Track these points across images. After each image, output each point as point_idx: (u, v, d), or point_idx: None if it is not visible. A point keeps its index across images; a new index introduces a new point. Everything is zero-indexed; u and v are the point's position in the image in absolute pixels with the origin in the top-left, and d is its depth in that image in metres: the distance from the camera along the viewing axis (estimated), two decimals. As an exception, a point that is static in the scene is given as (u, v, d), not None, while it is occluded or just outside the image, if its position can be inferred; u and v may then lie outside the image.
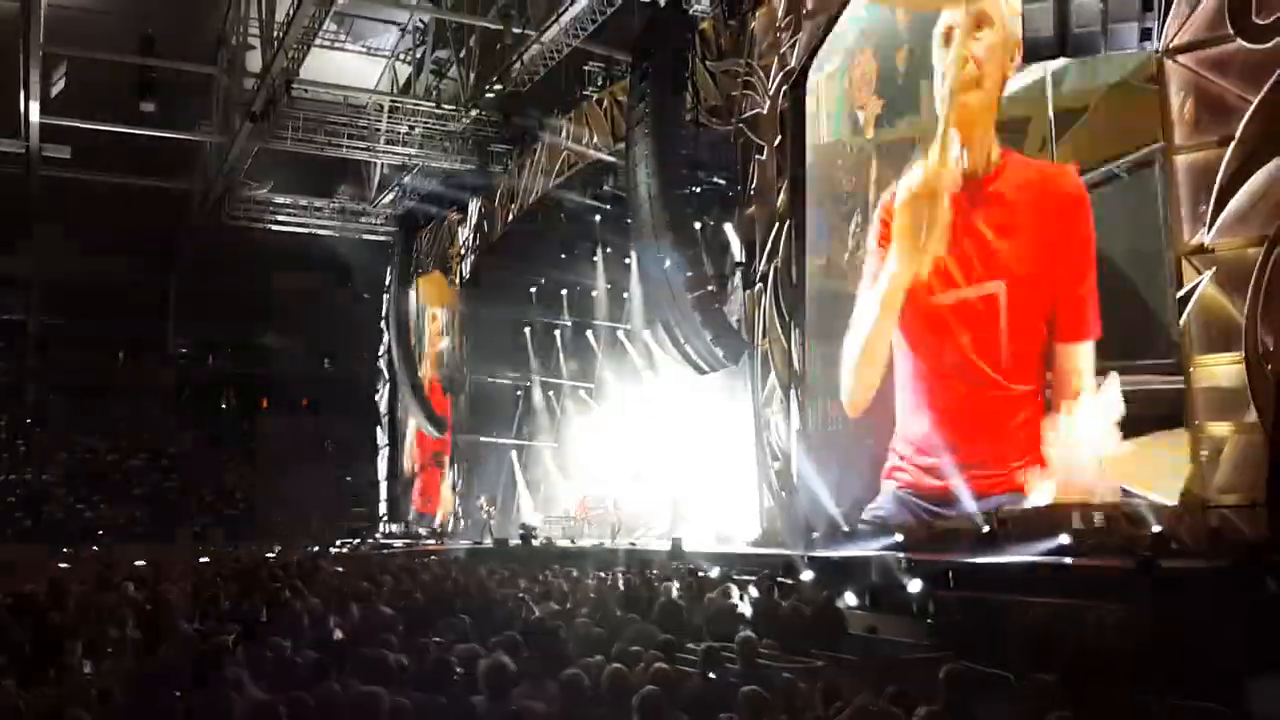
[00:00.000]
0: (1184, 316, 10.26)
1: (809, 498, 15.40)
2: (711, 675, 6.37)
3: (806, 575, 11.71)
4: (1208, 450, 10.10)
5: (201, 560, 21.48)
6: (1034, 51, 11.70)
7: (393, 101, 26.35)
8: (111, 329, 41.11)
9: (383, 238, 34.27)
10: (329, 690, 5.93)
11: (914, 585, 10.18)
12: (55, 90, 24.83)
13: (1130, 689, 6.23)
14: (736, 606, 9.81)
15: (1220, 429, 10.11)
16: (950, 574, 10.29)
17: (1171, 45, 10.61)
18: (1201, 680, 6.25)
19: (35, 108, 25.10)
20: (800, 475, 15.72)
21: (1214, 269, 10.09)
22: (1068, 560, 10.26)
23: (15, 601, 12.75)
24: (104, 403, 39.43)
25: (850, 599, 10.55)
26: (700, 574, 12.43)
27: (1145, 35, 10.78)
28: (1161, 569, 8.65)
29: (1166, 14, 10.61)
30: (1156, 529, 10.23)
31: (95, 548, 28.07)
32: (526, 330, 28.40)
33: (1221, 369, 10.14)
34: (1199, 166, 10.37)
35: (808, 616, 9.24)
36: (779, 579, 11.98)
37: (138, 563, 21.50)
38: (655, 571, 13.25)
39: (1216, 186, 10.12)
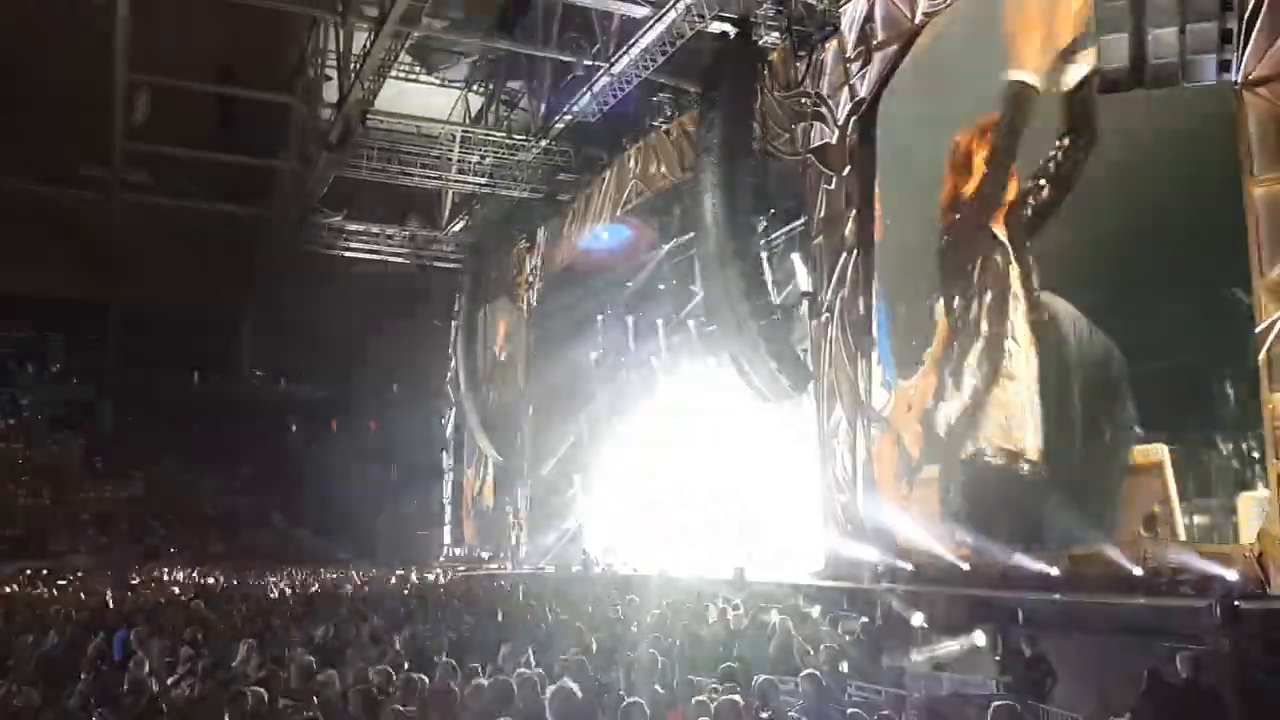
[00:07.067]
0: (1263, 351, 10.02)
1: (873, 530, 15.24)
2: (765, 715, 6.31)
3: (866, 610, 11.62)
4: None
5: (270, 579, 21.79)
6: (1110, 84, 11.42)
7: (465, 131, 26.68)
8: (187, 351, 42.14)
9: (453, 265, 34.68)
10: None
11: (981, 625, 10.04)
12: (139, 118, 25.46)
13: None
14: (798, 639, 9.74)
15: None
16: (1019, 612, 10.14)
17: (1250, 77, 10.43)
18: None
19: (119, 135, 25.82)
20: (865, 507, 15.57)
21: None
22: (1141, 599, 10.05)
23: (89, 618, 13.03)
24: (178, 423, 40.21)
25: (915, 634, 10.44)
26: (762, 605, 12.36)
27: (1224, 67, 10.51)
28: (1239, 608, 8.45)
29: (1245, 46, 10.42)
30: (1234, 567, 9.98)
31: (168, 566, 28.53)
32: (592, 356, 28.42)
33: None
34: (1278, 199, 10.16)
35: (870, 650, 9.16)
36: (842, 611, 11.89)
37: (208, 580, 21.93)
38: (717, 602, 13.20)
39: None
